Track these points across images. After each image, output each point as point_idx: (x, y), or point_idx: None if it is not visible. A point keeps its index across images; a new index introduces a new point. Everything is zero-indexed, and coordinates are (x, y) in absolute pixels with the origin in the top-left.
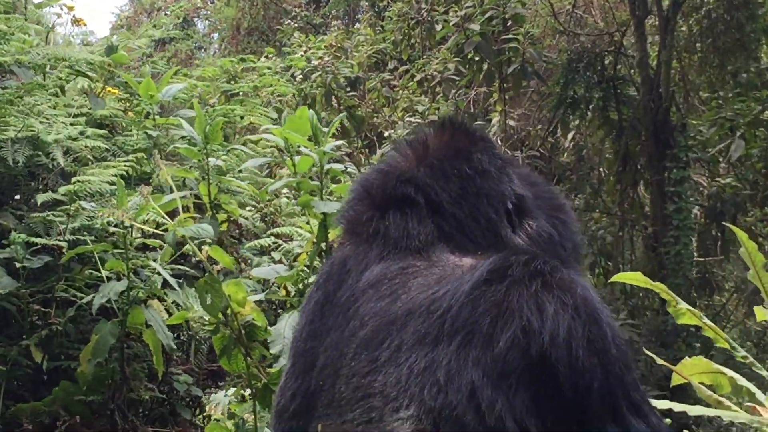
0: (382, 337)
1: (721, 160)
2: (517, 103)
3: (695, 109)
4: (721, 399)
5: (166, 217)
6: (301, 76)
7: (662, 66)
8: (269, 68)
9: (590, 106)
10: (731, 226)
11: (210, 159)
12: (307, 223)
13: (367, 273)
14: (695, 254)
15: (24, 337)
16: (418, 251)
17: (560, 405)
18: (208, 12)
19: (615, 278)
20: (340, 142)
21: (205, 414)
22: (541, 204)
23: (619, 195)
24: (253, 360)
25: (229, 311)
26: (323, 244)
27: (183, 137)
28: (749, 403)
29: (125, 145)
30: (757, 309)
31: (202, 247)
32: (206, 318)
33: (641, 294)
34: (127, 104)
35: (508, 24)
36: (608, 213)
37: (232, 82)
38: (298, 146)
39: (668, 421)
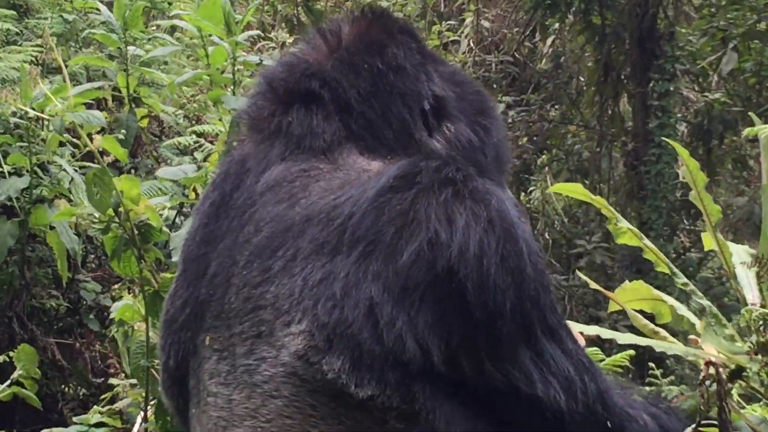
0: (277, 244)
1: (711, 73)
2: (493, 2)
3: (685, 16)
4: (657, 329)
5: (56, 101)
6: None
7: None
8: None
9: (571, 9)
10: (669, 141)
11: (130, 48)
12: (220, 119)
13: (266, 174)
14: (679, 175)
15: None
16: (323, 152)
17: (468, 325)
18: None
19: (553, 188)
20: (255, 32)
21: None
22: (464, 106)
23: (599, 107)
24: (147, 263)
25: (121, 209)
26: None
27: (103, 23)
28: (691, 336)
29: (38, 28)
30: (704, 236)
31: (93, 136)
32: (96, 216)
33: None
34: None
35: None
36: (586, 126)
37: None
38: (210, 35)
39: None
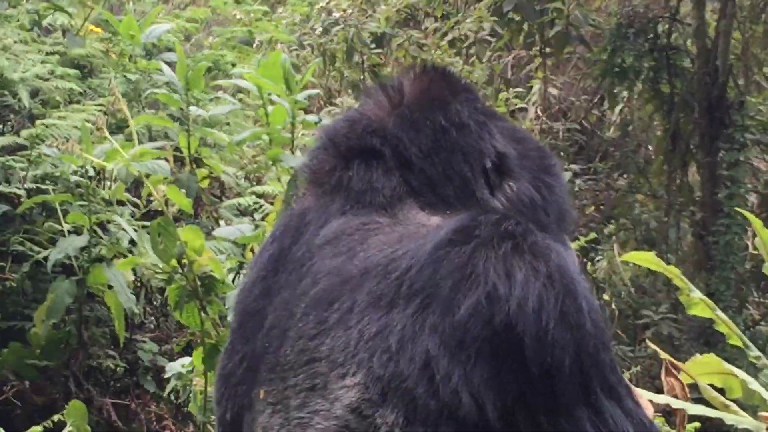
0: (334, 297)
1: None
2: (560, 70)
3: (756, 85)
4: (727, 402)
5: (121, 150)
6: (320, 30)
7: (721, 36)
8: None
9: (640, 77)
10: (741, 210)
11: (192, 108)
12: (278, 179)
13: (326, 228)
14: (749, 246)
15: None
16: (383, 207)
17: (525, 382)
18: None
19: (625, 257)
20: (315, 90)
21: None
22: (526, 164)
23: (667, 176)
24: (209, 316)
25: (184, 260)
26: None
27: (166, 83)
28: (762, 413)
29: (100, 88)
30: None
31: (159, 188)
32: (160, 266)
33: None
34: (109, 45)
35: None
36: (654, 196)
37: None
38: (270, 94)
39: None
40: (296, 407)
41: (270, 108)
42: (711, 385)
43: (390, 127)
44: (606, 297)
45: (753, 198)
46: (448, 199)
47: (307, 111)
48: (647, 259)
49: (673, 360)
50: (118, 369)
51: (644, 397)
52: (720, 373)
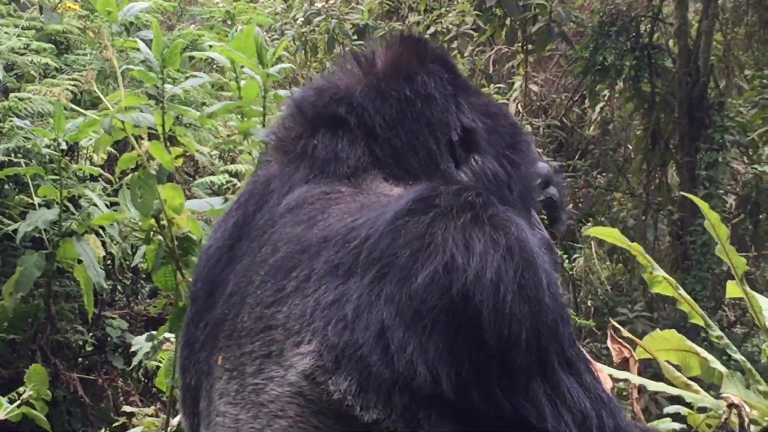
0: (292, 264)
1: (760, 145)
2: (542, 67)
3: (736, 87)
4: (689, 382)
5: (104, 99)
6: (302, 19)
7: (702, 37)
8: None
9: (621, 76)
10: (689, 196)
11: (167, 86)
12: (249, 153)
13: (289, 196)
14: None
15: None
16: (347, 177)
17: (480, 353)
18: None
19: (590, 231)
20: (288, 65)
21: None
22: (495, 139)
23: (646, 176)
24: (185, 278)
25: (163, 218)
26: None
27: (142, 62)
28: (725, 393)
29: (76, 63)
30: (729, 284)
31: (142, 142)
32: (139, 223)
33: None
34: (87, 22)
35: None
36: (632, 194)
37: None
38: (243, 67)
39: None
40: (252, 374)
41: (243, 82)
42: (668, 362)
43: (357, 96)
44: (582, 294)
45: (731, 200)
46: (412, 170)
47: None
48: (612, 234)
49: (631, 335)
50: (86, 345)
51: (604, 371)
52: (679, 350)
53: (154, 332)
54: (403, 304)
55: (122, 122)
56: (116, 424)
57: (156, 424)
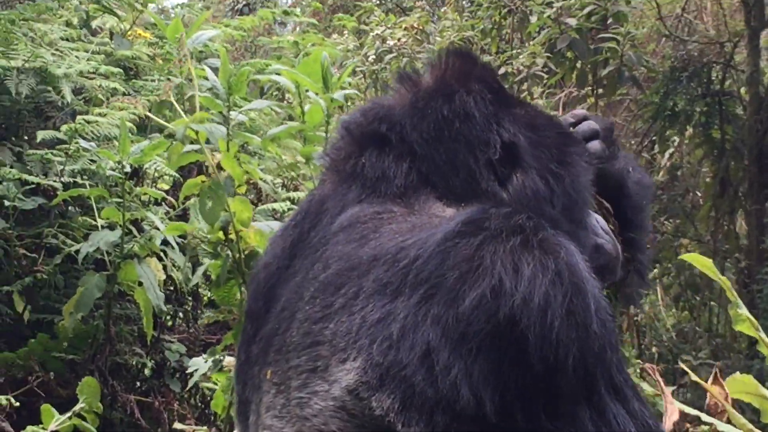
0: (342, 282)
1: None
2: (612, 111)
3: None
4: (750, 426)
5: (179, 110)
6: (373, 57)
7: None
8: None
9: (691, 122)
10: (686, 257)
11: (233, 113)
12: (310, 178)
13: (342, 215)
14: None
15: (7, 283)
16: (399, 196)
17: (526, 378)
18: None
19: (685, 256)
20: (353, 90)
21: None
22: (538, 154)
23: (714, 223)
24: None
25: (231, 231)
26: None
27: (209, 89)
28: None
29: (143, 89)
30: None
31: (213, 153)
32: (207, 235)
33: (727, 334)
34: (157, 49)
35: (608, 22)
36: (700, 241)
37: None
38: (307, 90)
39: None
40: (297, 387)
41: (307, 107)
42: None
43: (397, 114)
44: (647, 340)
45: None
46: (457, 189)
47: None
48: (704, 263)
49: (699, 381)
50: (145, 368)
51: (675, 404)
52: (756, 395)
53: (216, 346)
54: (450, 326)
55: (196, 132)
56: None
57: None
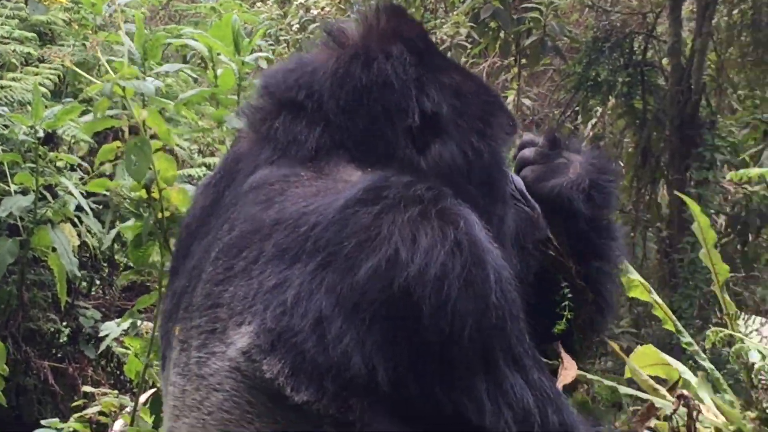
0: (244, 244)
1: (751, 165)
2: (536, 81)
3: (729, 107)
4: (657, 386)
5: (107, 65)
6: (297, 26)
7: (696, 55)
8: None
9: (613, 92)
10: (680, 195)
11: (149, 79)
12: (222, 142)
13: (252, 176)
14: None
15: None
16: (309, 160)
17: (420, 349)
18: None
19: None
20: (264, 54)
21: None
22: (462, 123)
23: (636, 192)
24: (170, 255)
25: (155, 189)
26: None
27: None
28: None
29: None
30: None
31: (140, 111)
32: (129, 193)
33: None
34: (73, 14)
35: None
36: (622, 211)
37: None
38: (219, 54)
39: None
40: (197, 347)
41: (219, 71)
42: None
43: (317, 80)
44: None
45: (722, 219)
46: (373, 157)
47: None
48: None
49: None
50: (60, 335)
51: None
52: (661, 364)
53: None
54: (344, 295)
55: (123, 88)
56: (74, 404)
57: (114, 405)
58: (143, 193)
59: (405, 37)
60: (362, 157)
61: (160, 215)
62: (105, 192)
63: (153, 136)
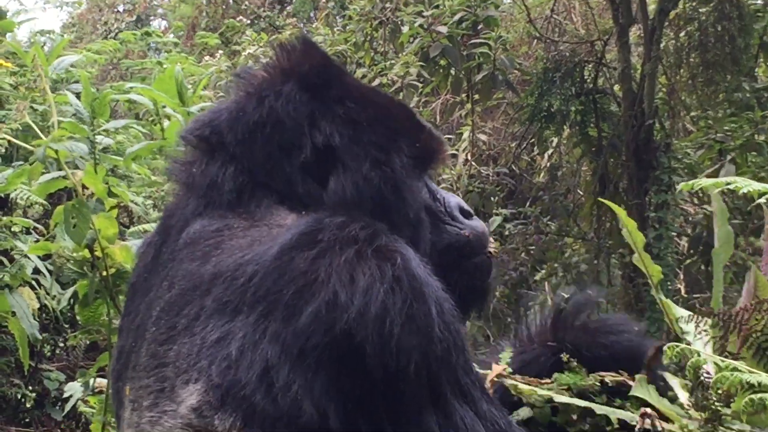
0: (185, 302)
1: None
2: (490, 116)
3: (683, 128)
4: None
5: (40, 133)
6: None
7: (646, 79)
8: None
9: (567, 121)
10: (606, 201)
11: (99, 137)
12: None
13: (186, 232)
14: (683, 288)
15: None
16: (237, 205)
17: (367, 388)
18: (164, 11)
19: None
20: (208, 104)
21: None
22: (359, 151)
23: (596, 220)
24: (119, 311)
25: (97, 248)
26: None
27: (74, 115)
28: (644, 409)
29: (7, 119)
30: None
31: (75, 172)
32: (72, 254)
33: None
34: (19, 78)
35: (479, 27)
36: (584, 239)
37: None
38: (164, 107)
39: None
40: (148, 407)
41: (166, 123)
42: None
43: (220, 118)
44: None
45: (684, 241)
46: (288, 194)
47: None
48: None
49: None
50: (26, 400)
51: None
52: None
53: (89, 369)
54: (288, 343)
55: (56, 151)
56: None
57: None
58: (86, 253)
59: (300, 73)
60: (282, 197)
61: (105, 273)
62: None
63: (109, 193)
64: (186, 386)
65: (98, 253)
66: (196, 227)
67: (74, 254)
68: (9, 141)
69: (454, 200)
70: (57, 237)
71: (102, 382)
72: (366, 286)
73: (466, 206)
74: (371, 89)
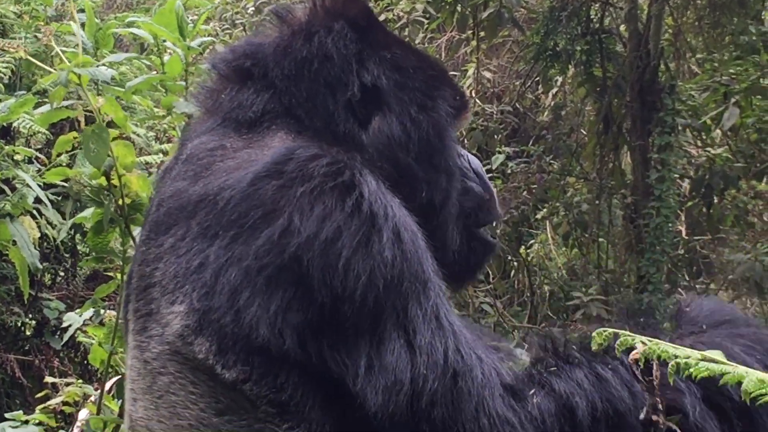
0: (172, 222)
1: (713, 128)
2: (495, 53)
3: (688, 70)
4: None
5: (62, 54)
6: (252, 9)
7: (653, 20)
8: None
9: (572, 61)
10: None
11: (102, 68)
12: (173, 128)
13: (186, 147)
14: (684, 231)
15: None
16: (247, 126)
17: (313, 309)
18: None
19: None
20: (209, 38)
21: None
22: (403, 96)
23: (599, 160)
24: (133, 240)
25: (114, 176)
26: None
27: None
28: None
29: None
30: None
31: (97, 98)
32: (89, 180)
33: (617, 270)
34: (23, 6)
35: None
36: (586, 179)
37: None
38: (164, 41)
39: None
40: (137, 331)
41: (166, 57)
42: None
43: (263, 51)
44: (538, 280)
45: (686, 183)
46: (315, 127)
47: None
48: None
49: None
50: (26, 328)
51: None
52: None
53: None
54: (249, 265)
55: (78, 76)
56: (39, 395)
57: (78, 394)
58: (103, 180)
59: (348, 15)
60: (308, 126)
61: (120, 202)
62: (64, 182)
63: (109, 124)
64: (171, 307)
65: (114, 182)
66: (195, 143)
67: (92, 181)
68: (12, 70)
69: (475, 160)
70: (75, 165)
71: (111, 313)
72: (322, 215)
73: (483, 170)
74: (408, 42)
